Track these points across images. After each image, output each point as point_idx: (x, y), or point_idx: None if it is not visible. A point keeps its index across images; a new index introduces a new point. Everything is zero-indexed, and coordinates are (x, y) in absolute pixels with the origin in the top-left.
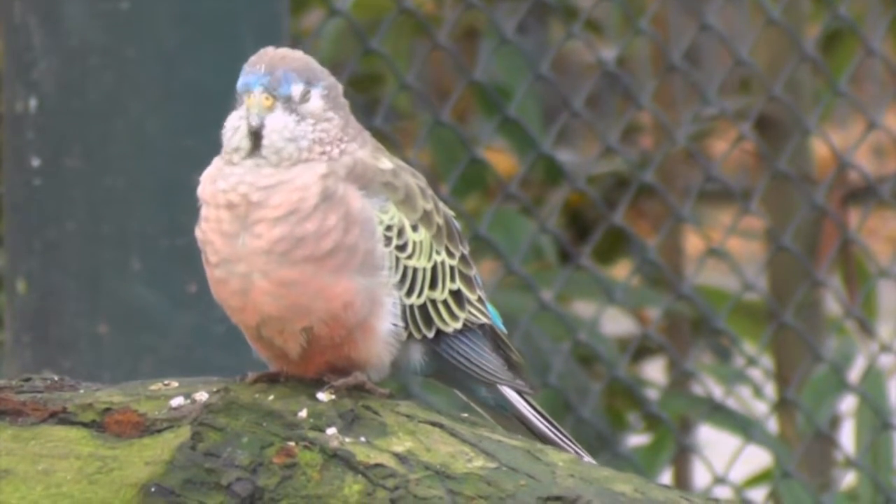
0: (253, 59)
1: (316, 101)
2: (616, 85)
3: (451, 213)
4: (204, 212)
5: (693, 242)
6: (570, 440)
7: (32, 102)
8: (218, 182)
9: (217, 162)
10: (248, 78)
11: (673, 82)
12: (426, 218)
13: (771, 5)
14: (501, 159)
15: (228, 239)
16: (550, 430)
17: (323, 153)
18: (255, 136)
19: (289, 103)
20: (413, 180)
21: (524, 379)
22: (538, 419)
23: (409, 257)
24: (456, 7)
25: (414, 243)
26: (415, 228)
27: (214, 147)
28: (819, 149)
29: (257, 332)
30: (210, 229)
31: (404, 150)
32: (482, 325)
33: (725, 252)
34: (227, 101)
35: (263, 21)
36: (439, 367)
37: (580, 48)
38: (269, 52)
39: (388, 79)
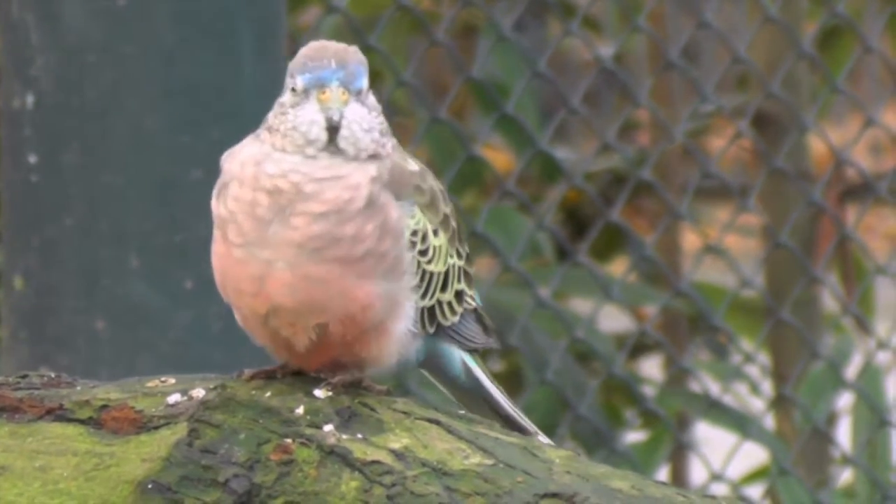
0: (312, 53)
1: (370, 93)
2: (614, 82)
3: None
4: (235, 190)
5: (690, 239)
6: (525, 419)
7: (30, 99)
8: (265, 165)
9: (254, 143)
10: (320, 73)
11: (670, 79)
12: (445, 222)
13: (769, 3)
14: (499, 156)
15: (259, 223)
16: (514, 412)
17: (385, 144)
18: (332, 129)
19: (359, 96)
20: (435, 183)
21: (492, 338)
22: (504, 401)
23: (429, 262)
24: (453, 4)
25: (434, 248)
26: (435, 233)
27: (212, 143)
28: (816, 146)
29: (264, 319)
30: (240, 210)
31: (402, 146)
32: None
33: (723, 249)
34: (225, 97)
35: (262, 18)
36: (431, 350)
37: (578, 45)
38: (330, 45)
39: (386, 75)
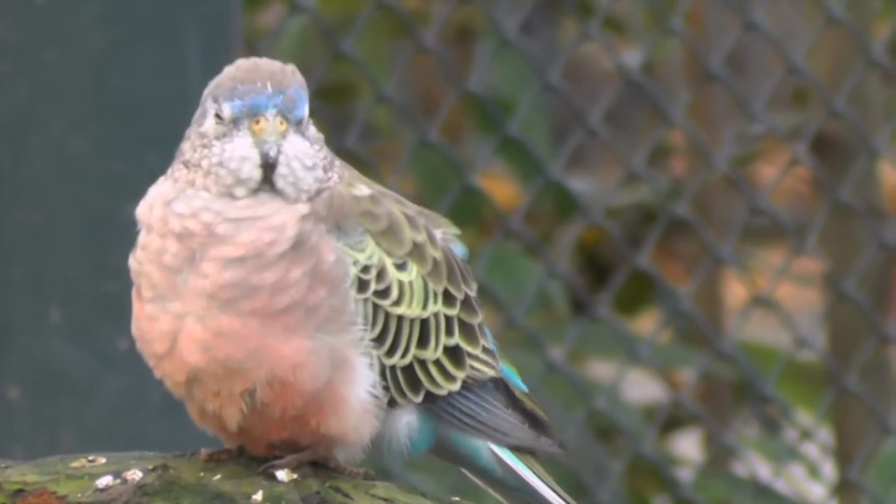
0: (242, 74)
1: (311, 124)
2: (642, 97)
3: (452, 241)
4: (143, 238)
5: (735, 289)
6: None
7: None
8: (174, 204)
9: (168, 184)
10: (254, 99)
11: (711, 94)
12: (417, 252)
13: (832, 0)
14: (501, 187)
15: (169, 272)
16: None
17: (328, 180)
18: (268, 167)
19: (299, 127)
20: (397, 207)
21: (551, 438)
22: (558, 497)
23: (396, 304)
24: (446, 2)
25: (400, 285)
26: (401, 267)
27: (150, 172)
28: (889, 175)
29: (187, 390)
30: (148, 260)
31: (383, 176)
32: (493, 379)
33: (775, 301)
34: (166, 115)
35: (211, 18)
36: (436, 437)
37: (597, 52)
38: (264, 65)
39: (364, 89)
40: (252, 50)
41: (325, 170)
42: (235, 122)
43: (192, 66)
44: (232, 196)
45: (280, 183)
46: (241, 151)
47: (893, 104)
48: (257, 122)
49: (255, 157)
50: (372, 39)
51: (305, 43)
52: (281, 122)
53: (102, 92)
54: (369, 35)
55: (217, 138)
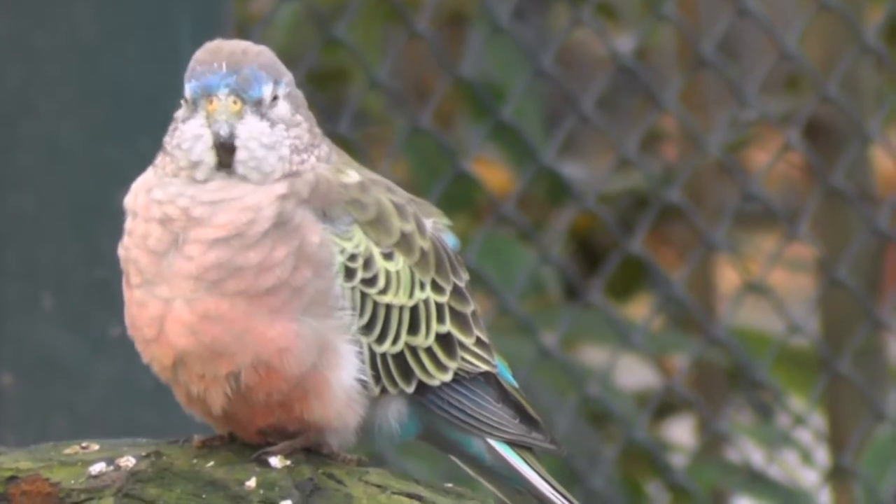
0: (203, 55)
1: (283, 102)
2: (634, 83)
3: (443, 231)
4: (129, 224)
5: (728, 275)
6: None
7: None
8: (154, 192)
9: (151, 172)
10: (207, 79)
11: (704, 80)
12: (405, 242)
13: None
14: (494, 173)
15: (154, 257)
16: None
17: (302, 163)
18: (224, 148)
19: (258, 107)
20: (387, 196)
21: (543, 433)
22: (548, 485)
23: (383, 292)
24: None
25: (387, 274)
26: (388, 256)
27: (142, 158)
28: (882, 161)
29: (174, 374)
30: (134, 245)
31: (375, 162)
32: (485, 373)
33: (767, 287)
34: (157, 101)
35: (202, 5)
36: (426, 424)
37: (590, 38)
38: (226, 45)
39: (356, 75)
40: (244, 35)
41: (297, 151)
42: (195, 103)
43: (184, 53)
44: (195, 180)
45: (241, 169)
46: (194, 131)
47: (886, 90)
48: (210, 102)
49: (207, 137)
50: (364, 25)
51: (298, 28)
52: (234, 102)
53: (94, 79)
54: (362, 21)
55: (183, 121)
